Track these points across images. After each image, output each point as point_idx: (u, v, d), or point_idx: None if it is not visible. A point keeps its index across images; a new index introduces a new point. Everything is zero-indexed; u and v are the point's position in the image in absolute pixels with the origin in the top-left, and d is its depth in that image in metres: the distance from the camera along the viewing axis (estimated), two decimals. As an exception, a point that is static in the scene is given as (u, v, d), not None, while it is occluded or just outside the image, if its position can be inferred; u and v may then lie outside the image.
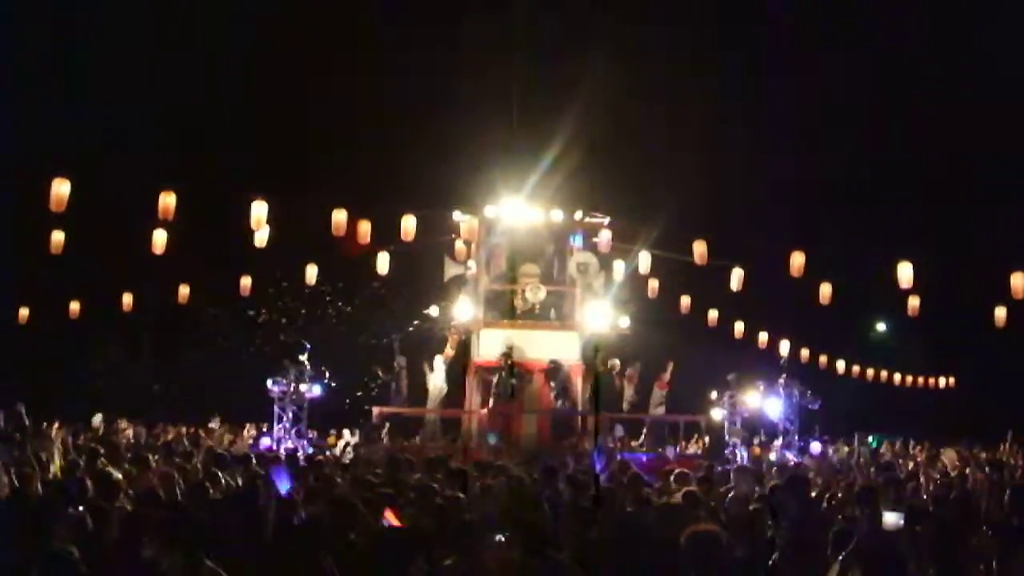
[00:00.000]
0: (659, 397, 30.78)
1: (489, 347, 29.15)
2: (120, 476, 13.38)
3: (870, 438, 30.52)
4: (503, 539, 10.37)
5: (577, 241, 30.54)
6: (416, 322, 35.31)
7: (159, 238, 28.71)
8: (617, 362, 30.88)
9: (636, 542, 10.80)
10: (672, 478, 16.44)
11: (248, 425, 33.25)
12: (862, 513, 11.78)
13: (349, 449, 27.76)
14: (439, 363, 30.35)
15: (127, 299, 34.19)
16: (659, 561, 9.57)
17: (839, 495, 15.33)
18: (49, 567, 7.74)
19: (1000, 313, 32.18)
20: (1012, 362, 44.43)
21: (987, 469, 20.88)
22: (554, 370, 28.33)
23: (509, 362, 27.61)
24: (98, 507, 10.93)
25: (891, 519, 9.32)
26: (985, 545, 10.80)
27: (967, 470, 22.44)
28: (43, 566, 7.79)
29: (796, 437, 29.63)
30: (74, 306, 34.41)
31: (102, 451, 17.69)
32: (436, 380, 30.12)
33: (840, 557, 8.22)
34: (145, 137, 40.32)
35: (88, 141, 38.43)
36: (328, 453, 26.66)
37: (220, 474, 15.09)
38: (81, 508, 10.79)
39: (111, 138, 39.65)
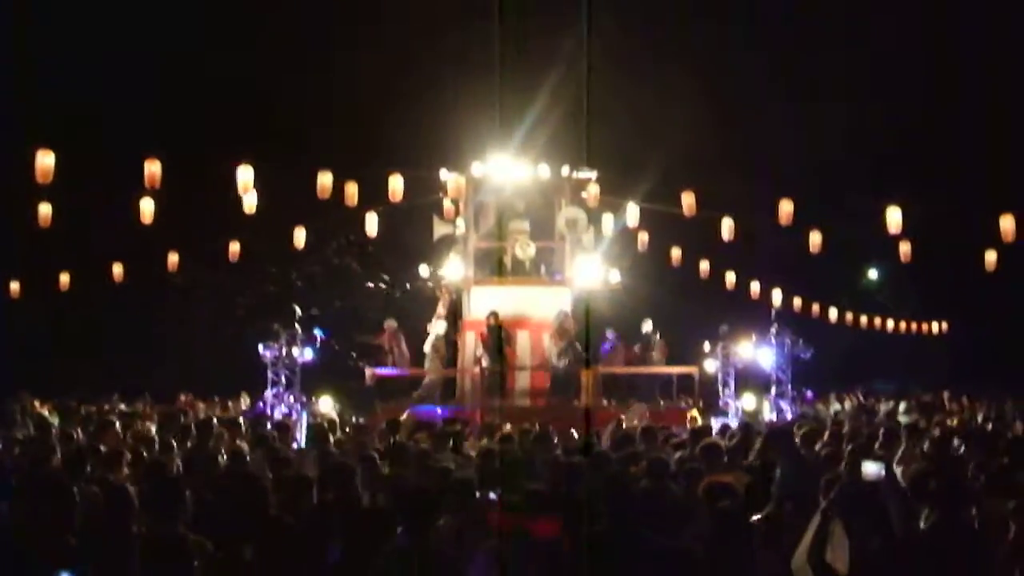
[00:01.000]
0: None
1: (480, 305, 29.13)
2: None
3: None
4: (495, 497, 10.36)
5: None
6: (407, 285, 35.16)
7: (146, 207, 28.60)
8: (650, 323, 31.04)
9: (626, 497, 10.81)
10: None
11: (243, 394, 33.20)
12: (845, 464, 11.81)
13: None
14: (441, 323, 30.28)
15: (117, 269, 34.04)
16: (650, 514, 9.58)
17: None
18: None
19: (990, 257, 32.16)
20: (1003, 306, 44.50)
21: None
22: (562, 326, 28.29)
23: (496, 323, 27.55)
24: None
25: (871, 469, 9.27)
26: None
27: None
28: None
29: (789, 387, 29.68)
30: (64, 278, 34.29)
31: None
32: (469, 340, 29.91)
33: (821, 508, 8.19)
34: (128, 105, 40.09)
35: (71, 111, 38.26)
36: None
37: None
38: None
39: (94, 107, 39.45)
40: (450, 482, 10.40)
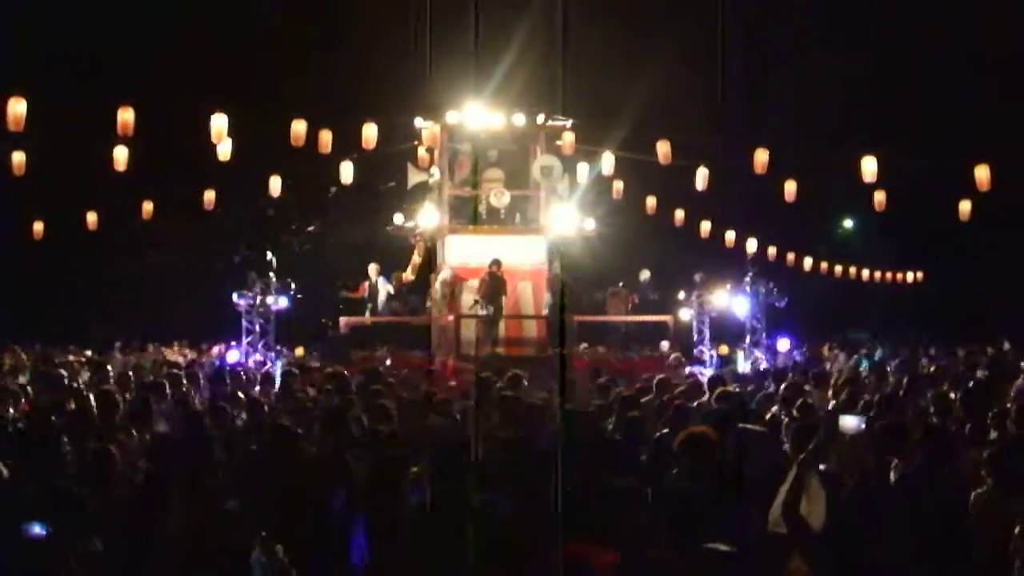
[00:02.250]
0: (617, 308, 30.81)
1: (455, 253, 29.16)
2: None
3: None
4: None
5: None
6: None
7: (120, 154, 28.49)
8: (647, 274, 31.04)
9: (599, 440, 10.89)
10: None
11: (220, 345, 33.19)
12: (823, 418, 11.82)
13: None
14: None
15: (91, 218, 33.93)
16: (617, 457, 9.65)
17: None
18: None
19: (965, 207, 32.26)
20: (978, 255, 44.62)
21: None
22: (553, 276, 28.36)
23: (497, 271, 27.50)
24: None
25: (851, 422, 9.29)
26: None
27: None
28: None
29: (764, 335, 29.80)
30: (38, 227, 34.17)
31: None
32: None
33: (798, 461, 8.21)
34: (100, 53, 39.77)
35: (42, 58, 37.94)
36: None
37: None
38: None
39: (66, 55, 39.12)
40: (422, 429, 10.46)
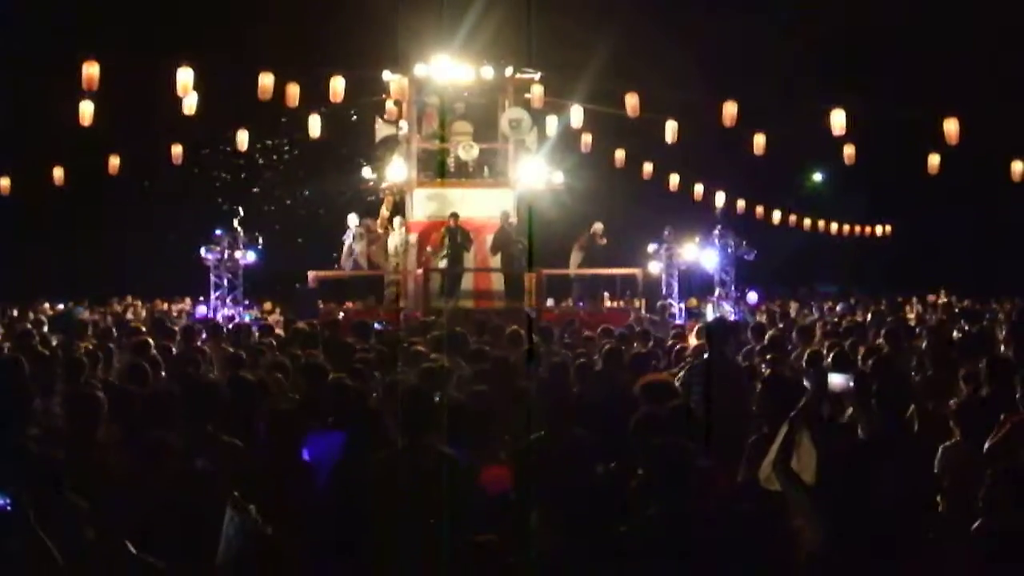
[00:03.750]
0: (576, 258, 30.74)
1: (422, 207, 29.16)
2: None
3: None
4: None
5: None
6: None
7: (86, 109, 28.24)
8: (600, 226, 30.95)
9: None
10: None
11: (188, 299, 33.08)
12: (810, 376, 11.82)
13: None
14: (397, 223, 30.13)
15: (57, 173, 33.67)
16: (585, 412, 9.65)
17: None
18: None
19: (933, 160, 32.33)
20: (945, 209, 44.81)
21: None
22: (501, 230, 28.32)
23: (456, 224, 27.55)
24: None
25: (838, 380, 9.27)
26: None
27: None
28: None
29: (733, 288, 29.84)
30: (3, 182, 33.87)
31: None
32: (395, 240, 29.88)
33: (789, 418, 8.18)
34: (63, 6, 39.43)
35: (5, 14, 37.55)
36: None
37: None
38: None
39: (28, 9, 38.77)
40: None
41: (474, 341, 14.79)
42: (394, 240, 29.75)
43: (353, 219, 31.32)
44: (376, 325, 19.31)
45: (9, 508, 6.23)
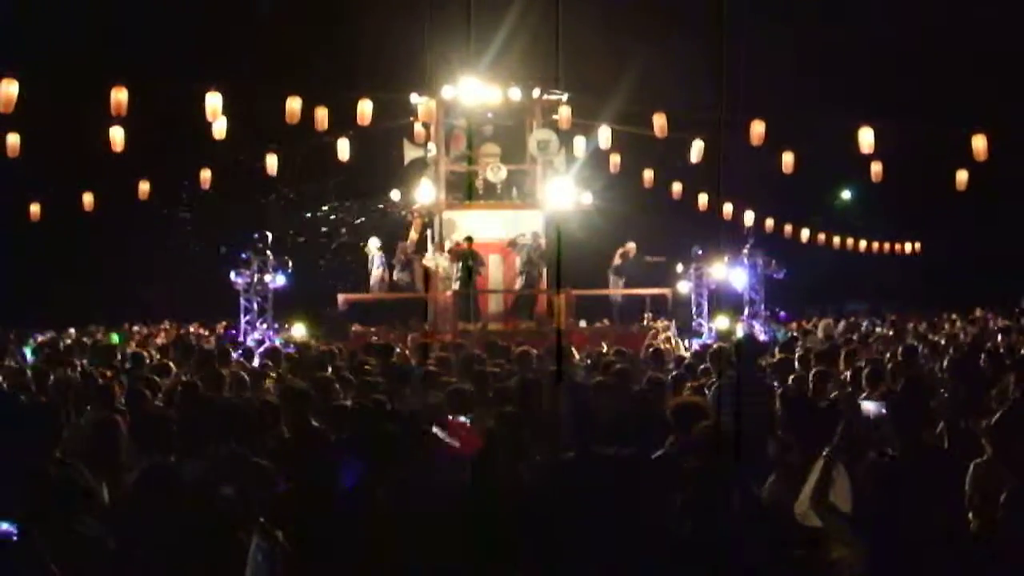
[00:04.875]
0: (616, 283, 30.79)
1: (451, 229, 29.17)
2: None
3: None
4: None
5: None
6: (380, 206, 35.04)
7: (115, 135, 28.41)
8: (632, 245, 30.94)
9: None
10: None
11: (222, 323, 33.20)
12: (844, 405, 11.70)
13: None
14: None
15: (88, 199, 33.85)
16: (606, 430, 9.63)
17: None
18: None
19: (961, 176, 32.21)
20: (974, 225, 44.63)
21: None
22: (518, 248, 28.29)
23: (469, 247, 27.58)
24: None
25: (871, 408, 9.23)
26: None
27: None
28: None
29: (762, 307, 29.80)
30: (34, 208, 34.06)
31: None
32: (440, 263, 29.74)
33: (824, 454, 8.14)
34: (91, 32, 39.65)
35: (34, 39, 37.80)
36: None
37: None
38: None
39: (57, 35, 38.98)
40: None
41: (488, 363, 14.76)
42: (437, 261, 29.52)
43: (375, 243, 31.34)
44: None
45: (15, 537, 6.11)
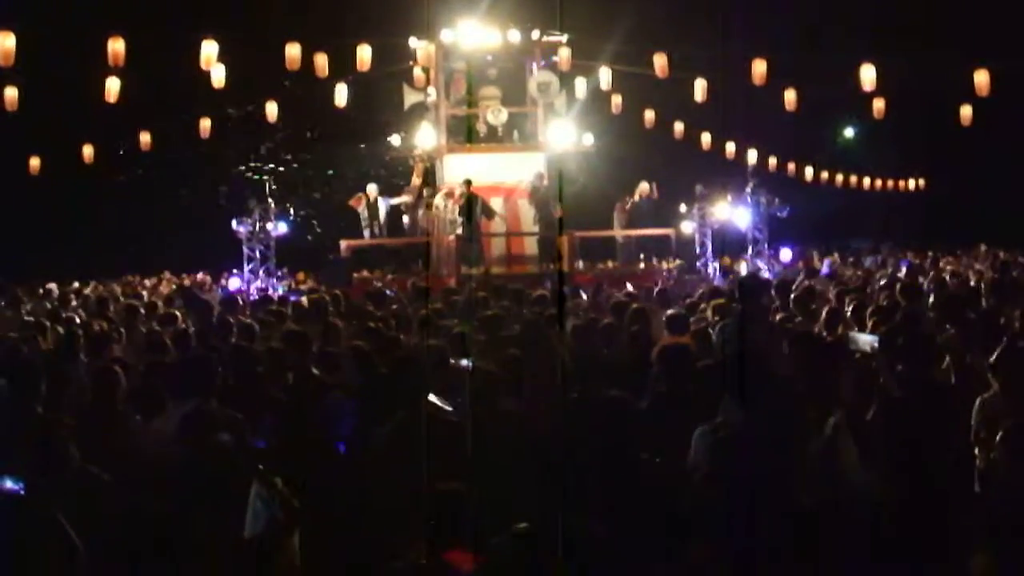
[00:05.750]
0: (620, 222, 30.73)
1: (453, 173, 29.03)
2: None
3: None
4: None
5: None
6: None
7: (112, 86, 28.25)
8: (645, 185, 30.89)
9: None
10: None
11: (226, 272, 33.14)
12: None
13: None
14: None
15: (88, 151, 33.73)
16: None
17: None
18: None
19: (965, 112, 32.04)
20: (979, 160, 44.44)
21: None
22: (536, 190, 28.05)
23: (468, 191, 27.38)
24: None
25: (865, 339, 9.18)
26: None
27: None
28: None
29: (766, 246, 29.73)
30: (34, 162, 33.96)
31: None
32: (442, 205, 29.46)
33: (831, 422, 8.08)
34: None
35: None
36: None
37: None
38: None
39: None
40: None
41: (496, 306, 14.75)
42: (440, 203, 29.27)
43: (373, 188, 31.20)
44: (388, 292, 19.36)
45: (22, 492, 6.07)
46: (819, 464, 7.82)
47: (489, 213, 27.83)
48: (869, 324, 12.22)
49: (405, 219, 30.77)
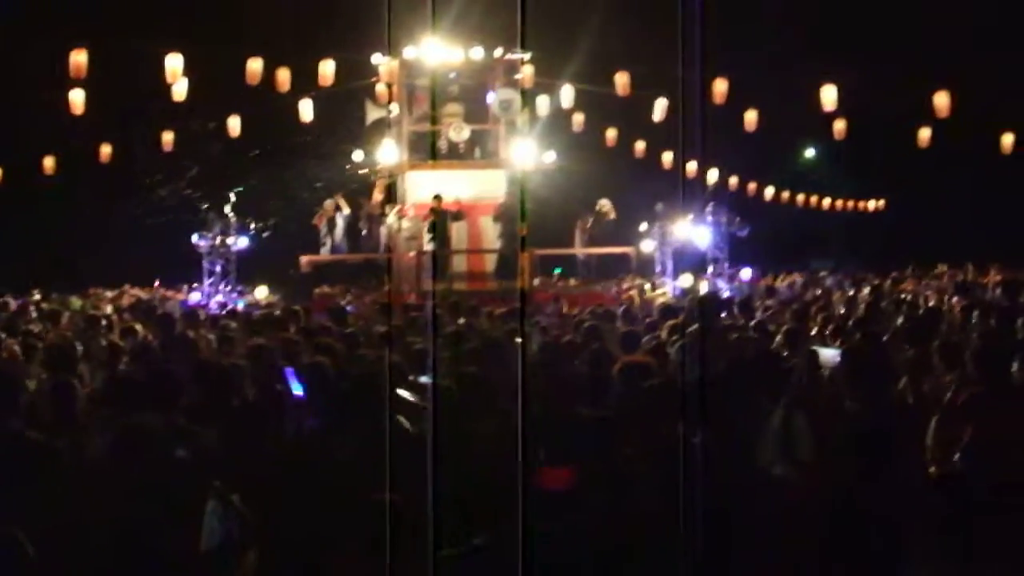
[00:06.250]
0: (582, 241, 30.84)
1: (415, 189, 29.06)
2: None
3: None
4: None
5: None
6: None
7: (75, 97, 28.20)
8: (606, 202, 30.94)
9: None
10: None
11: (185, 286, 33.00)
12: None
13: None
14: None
15: (49, 162, 33.56)
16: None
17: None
18: None
19: (924, 133, 32.28)
20: (937, 182, 44.70)
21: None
22: (503, 209, 28.07)
23: (438, 206, 27.42)
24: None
25: (829, 354, 9.27)
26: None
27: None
28: None
29: (726, 265, 29.82)
30: (-5, 173, 33.76)
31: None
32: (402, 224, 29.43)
33: (782, 403, 8.16)
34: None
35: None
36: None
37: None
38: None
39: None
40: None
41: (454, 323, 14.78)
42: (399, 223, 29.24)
43: (331, 204, 31.22)
44: (348, 308, 19.38)
45: None
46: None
47: (453, 220, 27.90)
48: (830, 342, 12.35)
49: (363, 234, 30.77)
